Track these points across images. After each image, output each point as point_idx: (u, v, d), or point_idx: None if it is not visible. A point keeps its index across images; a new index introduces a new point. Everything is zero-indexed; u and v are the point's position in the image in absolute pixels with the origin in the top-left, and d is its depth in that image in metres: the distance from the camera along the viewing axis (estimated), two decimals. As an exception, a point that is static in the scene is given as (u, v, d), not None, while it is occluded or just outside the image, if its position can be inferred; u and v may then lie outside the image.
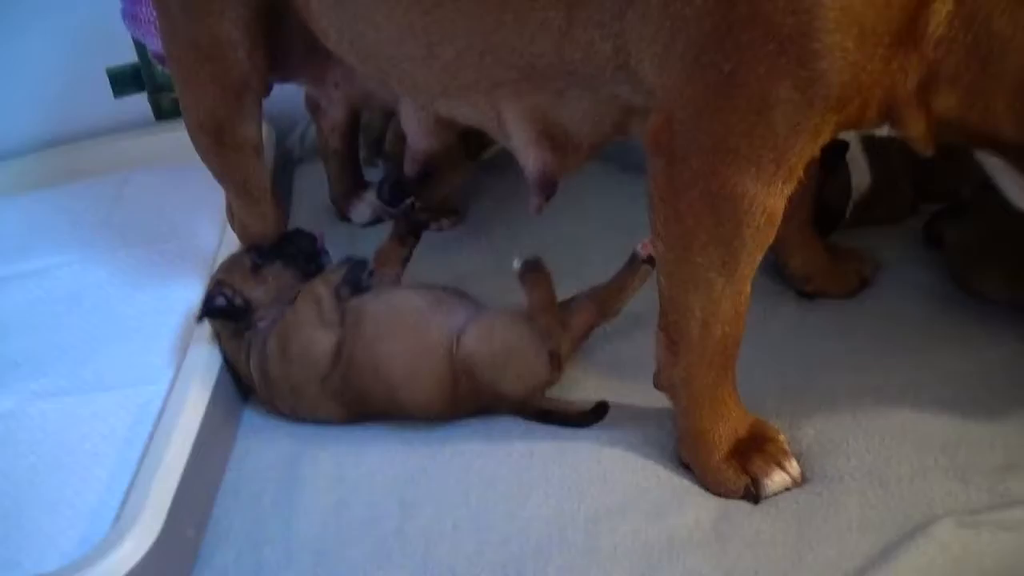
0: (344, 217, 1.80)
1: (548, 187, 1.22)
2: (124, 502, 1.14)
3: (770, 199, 0.95)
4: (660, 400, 1.16)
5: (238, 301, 1.34)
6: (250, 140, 1.39)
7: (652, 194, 1.00)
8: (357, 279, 1.33)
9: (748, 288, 1.03)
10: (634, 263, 1.26)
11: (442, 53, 1.12)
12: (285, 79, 1.50)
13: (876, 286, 1.42)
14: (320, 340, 1.28)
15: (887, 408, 1.18)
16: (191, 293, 1.47)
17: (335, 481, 1.21)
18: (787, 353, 1.30)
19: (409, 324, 1.26)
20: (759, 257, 1.00)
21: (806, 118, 0.88)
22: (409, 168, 1.44)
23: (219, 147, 1.39)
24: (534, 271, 1.24)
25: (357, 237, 1.72)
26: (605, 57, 1.01)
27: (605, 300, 1.26)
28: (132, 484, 1.16)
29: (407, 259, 1.42)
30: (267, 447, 1.30)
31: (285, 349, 1.29)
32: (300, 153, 2.02)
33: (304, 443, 1.30)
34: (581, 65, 1.04)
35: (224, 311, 1.33)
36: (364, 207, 1.79)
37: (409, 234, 1.42)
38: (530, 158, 1.19)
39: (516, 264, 1.23)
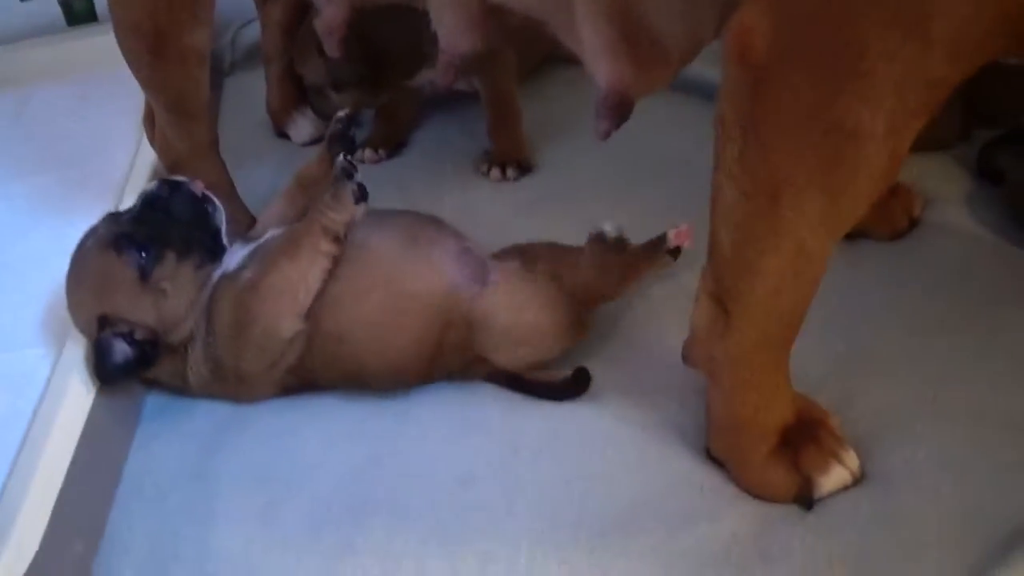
0: (281, 133, 1.61)
1: (622, 108, 0.97)
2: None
3: (902, 141, 0.74)
4: (679, 373, 0.97)
5: (140, 335, 1.04)
6: (196, 50, 1.16)
7: (724, 119, 0.78)
8: (366, 193, 1.07)
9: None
10: (656, 249, 1.11)
11: None
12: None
13: (925, 226, 1.22)
14: (293, 324, 1.04)
15: (957, 381, 0.99)
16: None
17: (263, 477, 1.01)
18: (830, 309, 1.06)
19: (379, 277, 1.05)
20: (862, 215, 0.81)
21: (972, 30, 0.67)
22: (444, 76, 1.16)
23: (155, 57, 1.15)
24: (617, 250, 1.09)
25: (296, 158, 1.47)
26: None
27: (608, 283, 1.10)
28: (6, 481, 0.97)
29: None
30: (177, 431, 1.08)
31: (243, 327, 1.04)
32: (232, 58, 1.83)
33: (224, 426, 1.07)
34: None
35: (134, 364, 1.04)
36: (305, 123, 1.59)
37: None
38: (603, 68, 0.95)
39: (608, 229, 1.09)
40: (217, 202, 1.10)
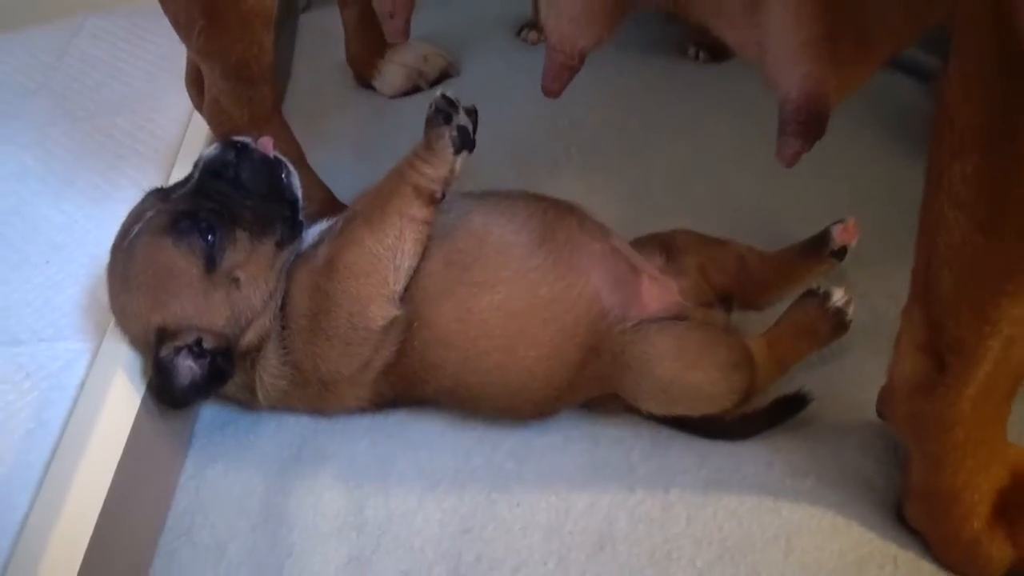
0: (366, 84, 1.45)
1: (818, 121, 0.77)
2: (18, 538, 0.79)
3: None
4: (863, 415, 0.85)
5: (209, 343, 0.85)
6: (261, 10, 0.96)
7: (953, 122, 0.62)
8: (469, 139, 0.88)
9: None
10: (818, 250, 0.96)
11: None
12: None
13: None
14: (386, 309, 0.86)
15: None
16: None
17: (346, 525, 0.84)
18: None
19: (502, 275, 0.87)
20: None
21: None
22: (555, 80, 0.95)
23: (212, 22, 0.95)
24: (834, 324, 0.91)
25: (385, 113, 1.35)
26: None
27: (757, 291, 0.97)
28: (26, 517, 0.80)
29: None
30: (238, 458, 0.91)
31: (322, 317, 0.86)
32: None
33: (297, 455, 0.91)
34: None
35: (204, 385, 0.85)
36: (394, 71, 1.42)
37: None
38: (798, 72, 0.76)
39: (837, 298, 0.91)
40: (291, 165, 0.91)
